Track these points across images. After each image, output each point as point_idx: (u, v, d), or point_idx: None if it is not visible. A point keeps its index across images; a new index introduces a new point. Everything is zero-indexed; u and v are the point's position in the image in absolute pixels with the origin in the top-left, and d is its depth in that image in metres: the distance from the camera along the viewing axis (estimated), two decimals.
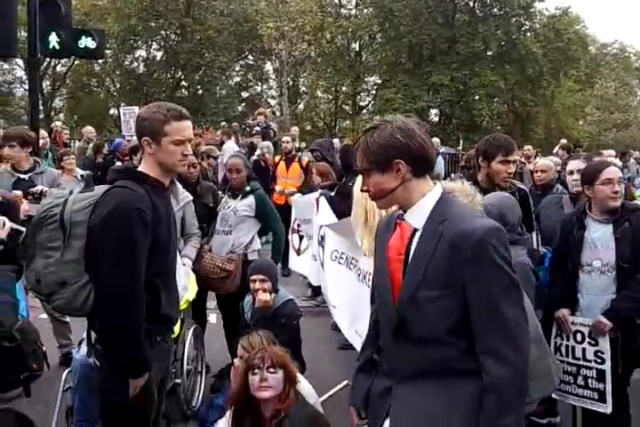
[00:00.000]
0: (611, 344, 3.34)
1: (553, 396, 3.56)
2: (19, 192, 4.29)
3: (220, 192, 5.16)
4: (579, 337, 3.43)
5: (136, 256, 2.50)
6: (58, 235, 2.55)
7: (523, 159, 9.24)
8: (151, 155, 2.63)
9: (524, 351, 1.91)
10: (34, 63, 9.25)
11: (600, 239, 3.45)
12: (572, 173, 4.24)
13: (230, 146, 10.31)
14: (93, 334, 2.69)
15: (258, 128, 11.55)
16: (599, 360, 3.35)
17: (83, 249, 2.54)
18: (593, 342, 3.38)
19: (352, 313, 4.89)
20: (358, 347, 4.55)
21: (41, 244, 2.58)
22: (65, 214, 2.55)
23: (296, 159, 8.58)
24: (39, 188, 4.29)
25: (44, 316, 5.20)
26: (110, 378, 2.64)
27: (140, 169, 2.68)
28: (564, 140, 14.06)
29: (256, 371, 2.89)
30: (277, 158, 8.87)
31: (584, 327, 3.41)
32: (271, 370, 2.90)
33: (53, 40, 7.98)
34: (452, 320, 1.93)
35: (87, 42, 8.13)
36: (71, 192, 2.66)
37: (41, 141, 8.63)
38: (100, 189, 2.64)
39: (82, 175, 7.28)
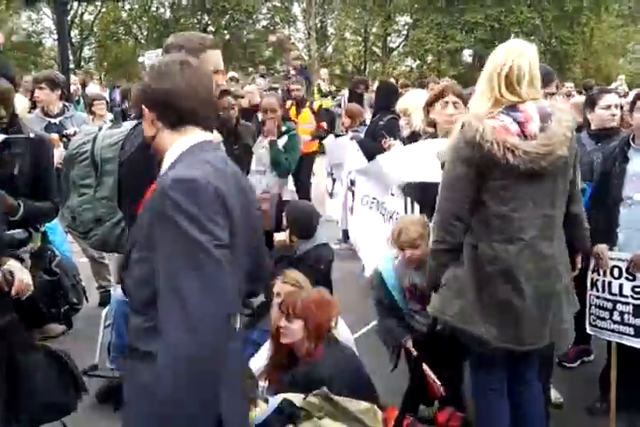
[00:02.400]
0: None
1: (588, 332, 3.55)
2: (55, 135, 4.32)
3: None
4: (616, 272, 3.35)
5: None
6: (90, 172, 2.55)
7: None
8: None
9: (199, 334, 1.51)
10: (62, 9, 9.17)
11: None
12: (608, 107, 4.04)
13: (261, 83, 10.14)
14: None
15: (293, 72, 11.39)
16: (636, 295, 3.28)
17: (115, 185, 2.54)
18: (630, 277, 3.30)
19: (378, 253, 4.92)
20: None
21: (74, 181, 2.59)
22: (95, 150, 2.55)
23: (307, 105, 8.38)
24: (73, 129, 4.31)
25: (84, 260, 5.33)
26: None
27: None
28: (622, 76, 13.43)
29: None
30: (289, 103, 8.69)
31: (622, 262, 3.32)
32: (288, 319, 2.84)
33: None
34: (147, 291, 1.64)
35: None
36: (100, 128, 2.65)
37: (72, 87, 8.64)
38: (128, 124, 2.61)
39: (111, 120, 7.31)
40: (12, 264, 2.04)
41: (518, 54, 2.54)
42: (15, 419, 2.12)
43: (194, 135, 1.75)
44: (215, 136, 2.03)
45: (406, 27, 31.70)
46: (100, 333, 4.08)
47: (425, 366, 3.19)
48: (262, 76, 11.29)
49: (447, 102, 3.56)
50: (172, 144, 1.74)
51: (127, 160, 2.49)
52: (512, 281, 2.55)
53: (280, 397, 2.41)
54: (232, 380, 1.74)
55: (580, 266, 3.04)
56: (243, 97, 7.71)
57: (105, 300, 5.04)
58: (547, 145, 2.45)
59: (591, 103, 4.00)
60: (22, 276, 2.03)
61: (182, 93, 1.71)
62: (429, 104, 3.66)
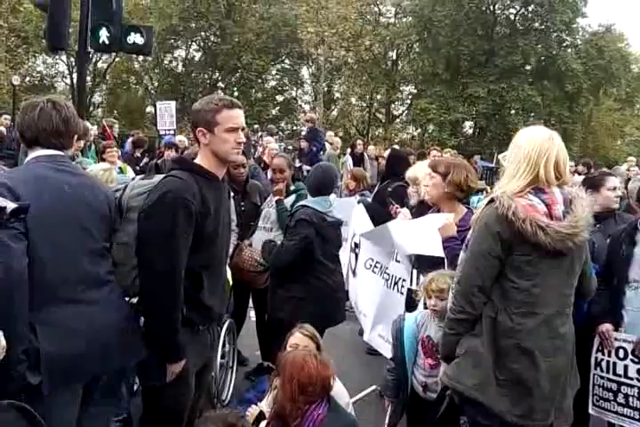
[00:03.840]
0: None
1: (590, 412, 3.51)
2: None
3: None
4: (621, 353, 3.36)
5: (176, 244, 2.56)
6: (117, 218, 2.64)
7: None
8: (206, 146, 2.71)
9: None
10: (83, 58, 9.43)
11: None
12: (614, 189, 4.15)
13: (274, 146, 10.36)
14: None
15: (304, 132, 11.70)
16: None
17: (135, 233, 2.62)
18: (636, 359, 3.30)
19: (377, 318, 4.91)
20: (383, 351, 4.59)
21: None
22: (123, 199, 2.66)
23: None
24: None
25: None
26: (149, 361, 2.68)
27: (196, 161, 2.75)
28: (632, 158, 13.72)
29: None
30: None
31: (627, 344, 3.34)
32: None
33: (104, 35, 8.19)
34: None
35: (136, 38, 8.34)
36: (133, 179, 2.76)
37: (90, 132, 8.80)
38: (158, 177, 2.70)
39: (119, 168, 7.42)
40: None
41: (557, 142, 2.69)
42: None
43: (36, 152, 2.48)
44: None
45: (410, 96, 32.68)
46: None
47: None
48: (271, 134, 11.56)
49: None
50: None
51: (145, 211, 2.60)
52: (529, 355, 2.59)
53: None
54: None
55: None
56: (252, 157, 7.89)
57: None
58: (574, 227, 2.57)
59: (595, 185, 4.03)
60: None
61: (25, 126, 2.48)
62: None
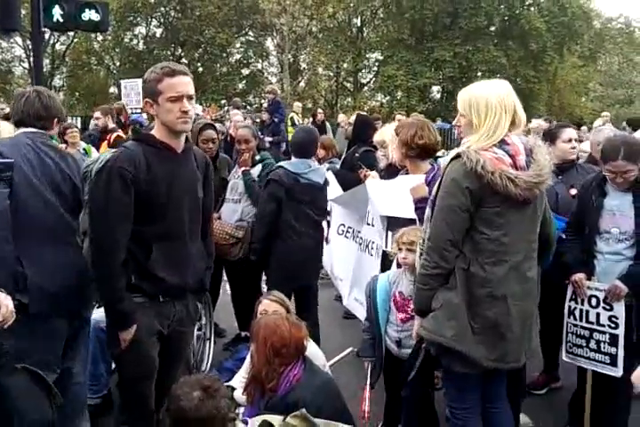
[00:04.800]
0: (625, 310, 3.33)
1: (564, 359, 3.60)
2: None
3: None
4: (593, 302, 3.42)
5: (110, 213, 2.61)
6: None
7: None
8: (156, 116, 2.71)
9: None
10: (38, 38, 9.11)
11: (619, 207, 3.41)
12: (570, 140, 4.18)
13: (239, 118, 10.24)
14: None
15: (266, 105, 11.61)
16: (613, 325, 3.34)
17: None
18: (607, 306, 3.36)
19: (353, 282, 4.95)
20: (359, 314, 4.64)
21: (84, 198, 2.90)
22: (92, 171, 2.72)
23: None
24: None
25: None
26: (109, 331, 2.81)
27: (152, 132, 2.75)
28: (606, 113, 13.80)
29: None
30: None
31: (599, 292, 3.39)
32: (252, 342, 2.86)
33: (57, 13, 7.93)
34: None
35: (91, 14, 8.09)
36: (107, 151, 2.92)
37: None
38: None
39: (84, 149, 7.29)
40: None
41: (508, 87, 2.76)
42: None
43: (22, 129, 2.98)
44: None
45: (376, 63, 32.46)
46: None
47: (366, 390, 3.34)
48: (237, 107, 11.44)
49: None
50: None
51: (90, 182, 2.81)
52: (501, 301, 2.67)
53: (259, 418, 2.38)
54: None
55: None
56: (223, 133, 7.78)
57: None
58: (540, 175, 2.63)
59: (552, 138, 4.07)
60: (7, 302, 2.02)
61: (14, 111, 3.05)
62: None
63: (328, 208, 5.51)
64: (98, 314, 3.86)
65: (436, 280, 2.72)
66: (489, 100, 2.68)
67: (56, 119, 3.10)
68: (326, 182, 4.73)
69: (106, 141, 7.50)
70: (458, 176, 2.63)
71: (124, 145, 2.74)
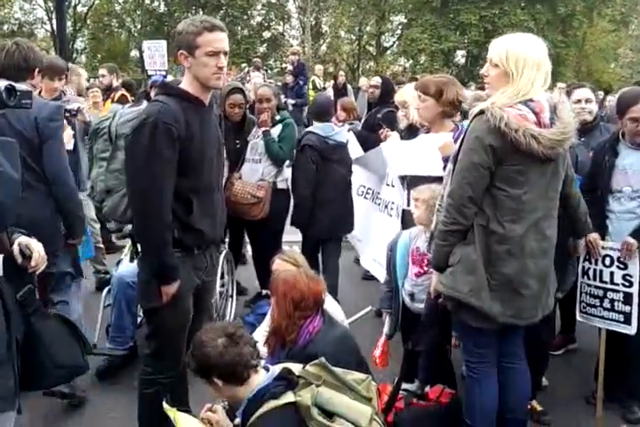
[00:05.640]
0: None
1: (578, 319, 3.65)
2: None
3: None
4: (607, 261, 3.45)
5: (158, 166, 2.59)
6: (107, 146, 2.71)
7: None
8: (188, 69, 2.69)
9: None
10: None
11: (632, 165, 3.44)
12: (578, 101, 4.16)
13: (259, 80, 10.17)
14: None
15: (291, 67, 11.48)
16: (627, 284, 3.38)
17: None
18: (622, 265, 3.39)
19: (372, 242, 5.00)
20: (377, 274, 4.70)
21: (95, 154, 2.79)
22: (112, 127, 2.69)
23: None
24: (75, 105, 4.32)
25: None
26: (146, 283, 2.79)
27: (180, 86, 2.73)
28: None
29: None
30: None
31: (613, 251, 3.42)
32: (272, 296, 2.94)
33: None
34: None
35: None
36: (123, 106, 2.80)
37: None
38: (145, 104, 2.71)
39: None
40: (26, 238, 2.11)
41: (537, 40, 2.72)
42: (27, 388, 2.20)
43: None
44: None
45: (400, 26, 31.80)
46: (100, 313, 4.13)
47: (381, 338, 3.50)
48: (258, 68, 11.36)
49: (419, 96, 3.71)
50: None
51: (129, 137, 2.63)
52: (519, 259, 2.70)
53: (280, 366, 2.47)
54: None
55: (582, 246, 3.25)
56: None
57: (101, 284, 5.08)
58: (564, 133, 2.62)
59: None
60: (39, 248, 2.10)
61: None
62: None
63: None
64: (123, 268, 4.00)
65: (454, 236, 2.75)
66: (529, 56, 2.64)
67: (37, 69, 3.23)
68: (347, 141, 5.03)
69: (109, 99, 7.52)
70: (481, 133, 2.62)
71: (157, 99, 2.68)
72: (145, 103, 2.79)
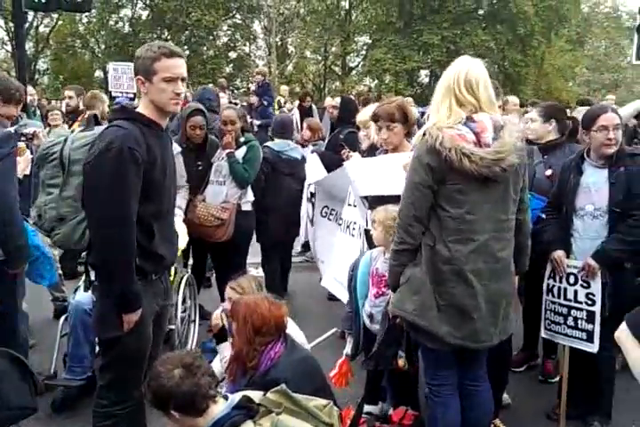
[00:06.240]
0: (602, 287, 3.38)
1: (542, 336, 3.66)
2: (21, 144, 4.21)
3: None
4: (571, 279, 3.48)
5: (126, 193, 2.54)
6: (58, 172, 2.64)
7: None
8: (145, 94, 2.67)
9: None
10: (20, 19, 8.98)
11: (595, 184, 3.48)
12: (526, 121, 4.26)
13: (224, 101, 10.14)
14: (92, 271, 2.74)
15: (254, 87, 11.48)
16: (590, 302, 3.41)
17: (80, 186, 2.59)
18: (585, 284, 3.42)
19: (334, 262, 4.98)
20: (339, 294, 4.67)
21: (43, 180, 2.68)
22: (64, 152, 2.62)
23: None
24: (31, 129, 4.20)
25: None
26: (105, 313, 2.70)
27: (137, 110, 2.70)
28: (611, 96, 13.82)
29: None
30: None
31: (577, 270, 3.45)
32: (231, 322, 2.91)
33: None
34: None
35: None
36: (72, 131, 2.70)
37: (29, 98, 8.46)
38: (99, 128, 2.65)
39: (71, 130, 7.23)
40: None
41: (471, 63, 2.78)
42: None
43: None
44: None
45: (365, 47, 32.24)
46: (57, 342, 3.99)
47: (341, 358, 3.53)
48: (223, 88, 11.32)
49: (380, 127, 3.75)
50: None
51: (90, 162, 2.54)
52: (465, 281, 2.70)
53: (239, 394, 2.41)
54: None
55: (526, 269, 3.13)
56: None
57: (59, 312, 4.93)
58: (499, 152, 2.63)
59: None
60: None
61: None
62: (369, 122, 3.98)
63: (312, 190, 5.54)
64: (80, 296, 3.88)
65: (404, 256, 2.78)
66: (447, 79, 2.74)
67: None
68: (304, 158, 5.56)
69: (77, 122, 7.40)
70: (420, 153, 2.69)
71: (116, 124, 2.62)
72: (97, 128, 2.70)
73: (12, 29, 25.34)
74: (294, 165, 5.40)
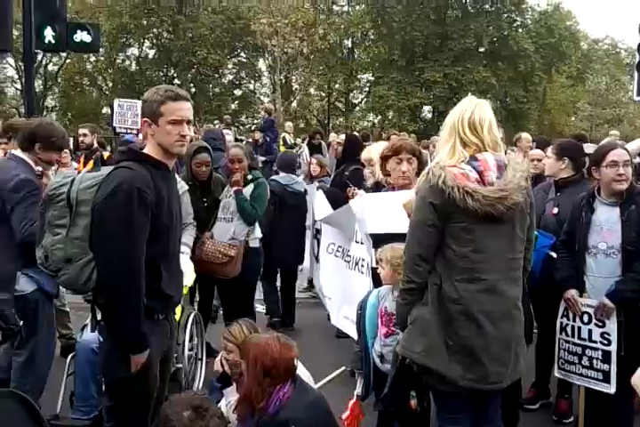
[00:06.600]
0: (617, 327, 3.34)
1: (556, 375, 3.59)
2: None
3: None
4: (585, 318, 3.44)
5: (135, 235, 2.55)
6: (65, 213, 2.63)
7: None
8: (152, 136, 2.70)
9: None
10: (30, 59, 9.14)
11: (607, 222, 3.46)
12: (532, 160, 4.33)
13: (229, 138, 10.25)
14: (98, 311, 2.74)
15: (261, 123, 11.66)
16: (605, 342, 3.36)
17: (88, 227, 2.59)
18: (600, 323, 3.38)
19: (342, 300, 4.93)
20: (349, 331, 4.62)
21: (49, 221, 2.68)
22: (71, 193, 2.64)
23: None
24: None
25: None
26: (112, 354, 2.68)
27: (144, 151, 2.72)
28: (615, 132, 13.90)
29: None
30: None
31: (591, 309, 3.41)
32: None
33: (49, 34, 7.98)
34: None
35: (82, 36, 8.16)
36: (79, 172, 2.73)
37: None
38: (106, 169, 2.67)
39: (76, 169, 7.28)
40: None
41: (477, 104, 2.77)
42: None
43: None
44: None
45: (368, 84, 32.76)
46: (63, 381, 3.94)
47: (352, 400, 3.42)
48: (228, 125, 11.48)
49: (401, 159, 3.79)
50: None
51: (100, 203, 2.55)
52: (475, 321, 2.63)
53: None
54: None
55: None
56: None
57: (66, 349, 4.88)
58: (503, 190, 2.61)
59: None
60: None
61: None
62: (385, 158, 3.92)
63: (318, 227, 5.55)
64: (88, 335, 3.84)
65: (411, 295, 2.74)
66: (452, 120, 2.74)
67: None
68: (306, 191, 5.94)
69: (92, 161, 7.47)
70: (423, 192, 2.69)
71: (124, 165, 2.63)
72: (104, 169, 2.72)
73: (22, 68, 25.88)
74: (298, 198, 5.85)
